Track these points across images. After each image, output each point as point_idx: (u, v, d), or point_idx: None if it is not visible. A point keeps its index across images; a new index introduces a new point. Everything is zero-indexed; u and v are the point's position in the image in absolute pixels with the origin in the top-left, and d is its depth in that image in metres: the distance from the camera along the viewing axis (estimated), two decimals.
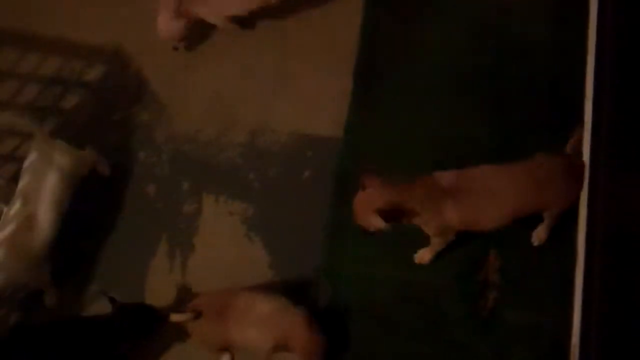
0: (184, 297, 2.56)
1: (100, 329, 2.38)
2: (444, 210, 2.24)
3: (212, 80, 2.89)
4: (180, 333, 2.45)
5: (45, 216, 2.46)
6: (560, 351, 2.37)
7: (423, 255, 2.48)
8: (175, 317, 2.36)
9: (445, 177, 2.27)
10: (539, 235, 2.48)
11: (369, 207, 2.19)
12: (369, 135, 2.72)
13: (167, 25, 2.75)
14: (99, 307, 2.54)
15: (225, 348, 2.43)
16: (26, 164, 2.53)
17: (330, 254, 2.58)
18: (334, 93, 2.80)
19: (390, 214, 2.17)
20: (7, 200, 2.50)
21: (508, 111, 2.70)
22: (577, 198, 2.35)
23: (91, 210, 2.72)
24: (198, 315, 2.36)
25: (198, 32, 2.92)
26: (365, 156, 2.70)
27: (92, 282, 2.65)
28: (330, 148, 2.73)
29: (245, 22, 2.88)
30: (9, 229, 2.43)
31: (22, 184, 2.49)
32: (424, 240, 2.46)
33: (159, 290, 2.62)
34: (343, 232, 2.59)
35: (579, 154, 2.40)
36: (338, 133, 2.75)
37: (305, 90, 2.84)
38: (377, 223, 2.17)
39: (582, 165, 2.36)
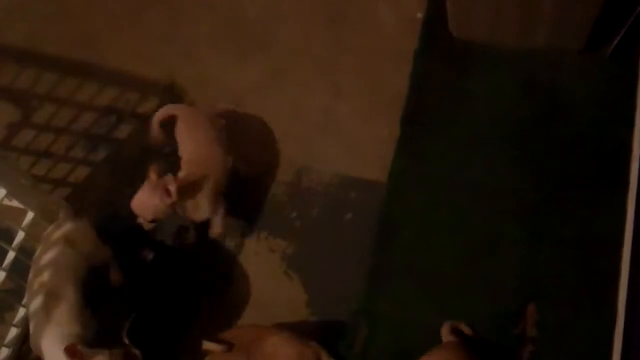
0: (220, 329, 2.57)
1: None
2: None
3: (259, 119, 2.95)
4: None
5: (68, 293, 2.37)
6: None
7: None
8: (207, 345, 2.37)
9: None
10: None
11: None
12: (413, 181, 2.75)
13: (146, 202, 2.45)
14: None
15: None
16: (44, 260, 2.43)
17: (369, 297, 2.57)
18: (380, 138, 2.84)
19: None
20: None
21: (552, 166, 2.71)
22: None
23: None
24: (229, 348, 2.37)
25: (248, 68, 3.00)
26: (409, 202, 2.72)
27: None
28: (374, 192, 2.76)
29: None
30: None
31: (42, 279, 2.39)
32: (468, 291, 2.49)
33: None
34: (383, 276, 2.60)
35: None
36: (382, 177, 2.78)
37: (352, 133, 2.88)
38: None
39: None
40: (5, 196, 2.50)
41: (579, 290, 2.52)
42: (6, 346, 2.57)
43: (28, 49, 3.05)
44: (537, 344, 2.46)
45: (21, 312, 2.63)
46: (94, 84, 3.01)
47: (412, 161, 2.77)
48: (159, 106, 2.95)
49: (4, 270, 2.52)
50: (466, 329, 2.44)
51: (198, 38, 3.13)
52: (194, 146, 2.60)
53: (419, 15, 3.03)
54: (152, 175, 2.42)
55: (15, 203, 2.60)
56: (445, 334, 2.41)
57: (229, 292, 2.69)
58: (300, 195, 2.81)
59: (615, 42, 2.76)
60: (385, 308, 2.55)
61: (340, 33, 3.07)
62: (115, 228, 2.72)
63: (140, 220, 2.50)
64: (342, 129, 2.90)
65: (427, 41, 2.93)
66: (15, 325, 2.61)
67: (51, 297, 2.34)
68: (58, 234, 2.47)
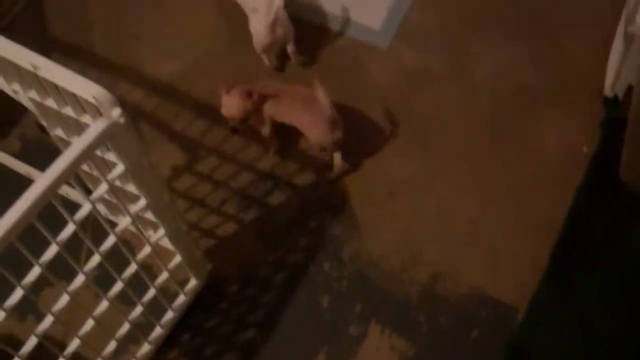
0: None
1: None
2: None
3: (408, 213, 2.99)
4: None
5: None
6: None
7: None
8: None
9: None
10: None
11: None
12: (553, 315, 2.68)
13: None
14: None
15: None
16: None
17: None
18: (523, 263, 2.81)
19: None
20: None
21: None
22: None
23: (265, 303, 2.84)
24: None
25: (407, 161, 3.07)
26: (544, 335, 2.65)
27: None
28: (505, 315, 2.72)
29: None
30: None
31: None
32: None
33: None
34: None
35: None
36: (516, 303, 2.74)
37: (496, 251, 2.87)
38: None
39: None
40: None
41: None
42: None
43: (205, 102, 3.23)
44: None
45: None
46: (257, 148, 3.14)
47: (557, 294, 2.71)
48: (314, 182, 3.06)
49: (142, 305, 2.61)
50: None
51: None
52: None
53: (585, 149, 3.02)
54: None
55: (165, 243, 2.71)
56: None
57: None
58: (432, 300, 2.80)
59: None
60: None
61: (500, 148, 3.09)
62: None
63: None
64: (487, 244, 2.89)
65: (592, 179, 2.89)
66: None
67: None
68: None
